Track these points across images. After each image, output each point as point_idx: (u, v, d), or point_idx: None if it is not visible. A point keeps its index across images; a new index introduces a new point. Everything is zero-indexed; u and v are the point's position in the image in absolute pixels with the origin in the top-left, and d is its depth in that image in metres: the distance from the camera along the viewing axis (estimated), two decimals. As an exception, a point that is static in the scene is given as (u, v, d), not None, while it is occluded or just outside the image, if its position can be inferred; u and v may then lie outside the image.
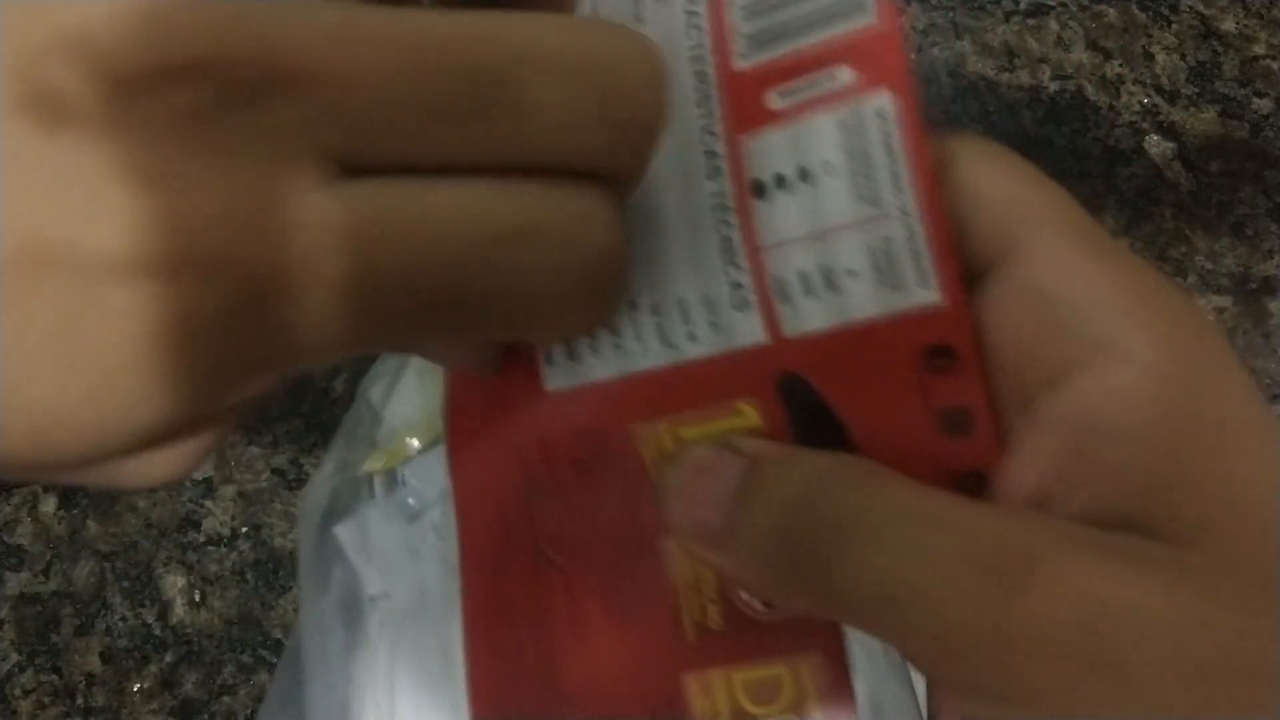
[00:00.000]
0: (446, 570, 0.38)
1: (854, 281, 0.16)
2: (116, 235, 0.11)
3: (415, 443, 0.42)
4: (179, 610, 0.46)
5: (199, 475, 0.48)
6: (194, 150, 0.12)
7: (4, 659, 0.45)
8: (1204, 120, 0.53)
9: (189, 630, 0.46)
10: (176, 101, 0.11)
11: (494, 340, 0.18)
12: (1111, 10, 0.55)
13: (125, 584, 0.46)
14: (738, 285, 0.17)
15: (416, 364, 0.43)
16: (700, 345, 0.18)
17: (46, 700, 0.45)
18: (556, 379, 0.19)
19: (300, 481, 0.48)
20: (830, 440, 0.17)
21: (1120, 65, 0.54)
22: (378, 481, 0.41)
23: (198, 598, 0.46)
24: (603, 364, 0.18)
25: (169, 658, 0.45)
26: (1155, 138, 0.53)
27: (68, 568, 0.46)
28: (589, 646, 0.18)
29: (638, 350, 0.18)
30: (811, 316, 0.17)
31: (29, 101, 0.11)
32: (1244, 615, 0.13)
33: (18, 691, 0.45)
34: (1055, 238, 0.15)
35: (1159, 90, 0.54)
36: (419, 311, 0.13)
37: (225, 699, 0.45)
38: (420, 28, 0.12)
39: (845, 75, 0.16)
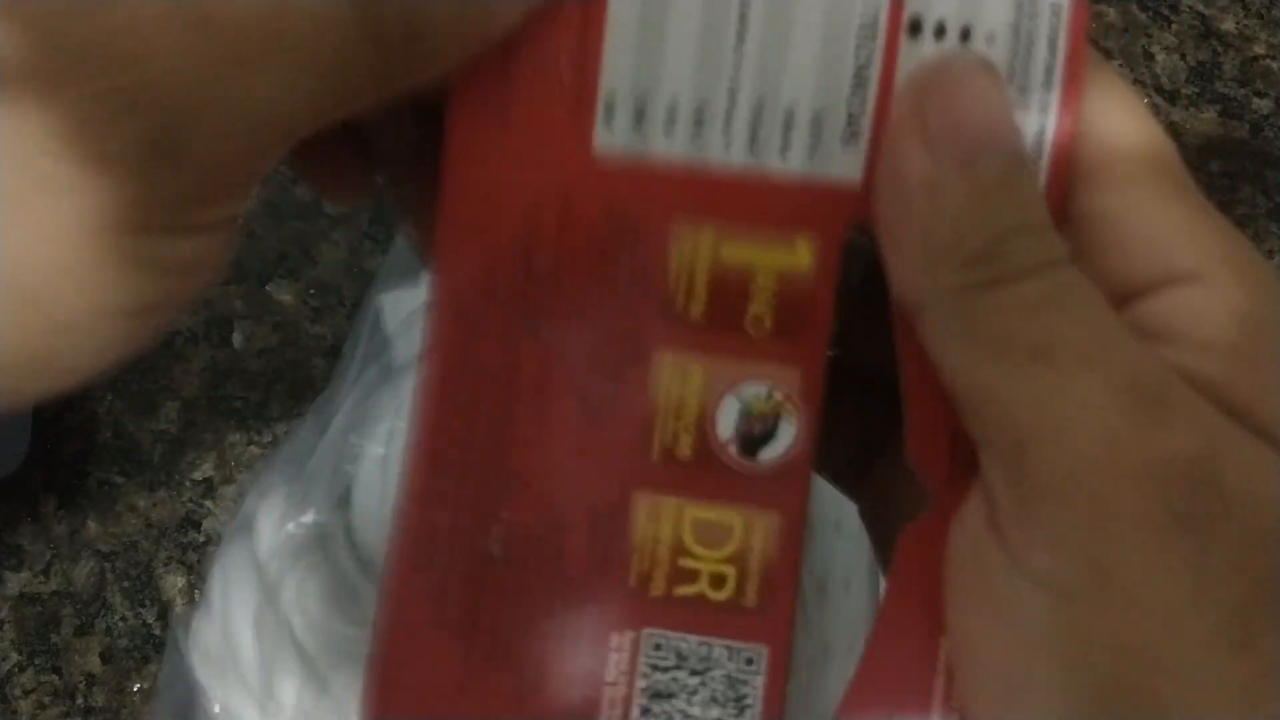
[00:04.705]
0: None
1: None
2: None
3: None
4: (179, 610, 0.46)
5: (199, 475, 0.48)
6: None
7: (4, 659, 0.45)
8: (1204, 120, 0.54)
9: (189, 630, 0.46)
10: None
11: None
12: (1111, 10, 0.55)
13: (125, 584, 0.46)
14: (855, 116, 0.16)
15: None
16: (789, 163, 0.17)
17: (46, 700, 0.45)
18: (610, 140, 0.17)
19: (300, 481, 0.48)
20: (872, 308, 0.16)
21: (1120, 65, 0.54)
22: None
23: (197, 598, 0.46)
24: (673, 141, 0.17)
25: (169, 658, 0.45)
26: (1155, 138, 0.53)
27: (68, 568, 0.47)
28: (549, 433, 0.17)
29: (718, 141, 0.17)
30: None
31: None
32: None
33: (18, 691, 0.45)
34: (1141, 179, 0.16)
35: (1159, 90, 0.54)
36: None
37: (225, 699, 0.45)
38: None
39: None
